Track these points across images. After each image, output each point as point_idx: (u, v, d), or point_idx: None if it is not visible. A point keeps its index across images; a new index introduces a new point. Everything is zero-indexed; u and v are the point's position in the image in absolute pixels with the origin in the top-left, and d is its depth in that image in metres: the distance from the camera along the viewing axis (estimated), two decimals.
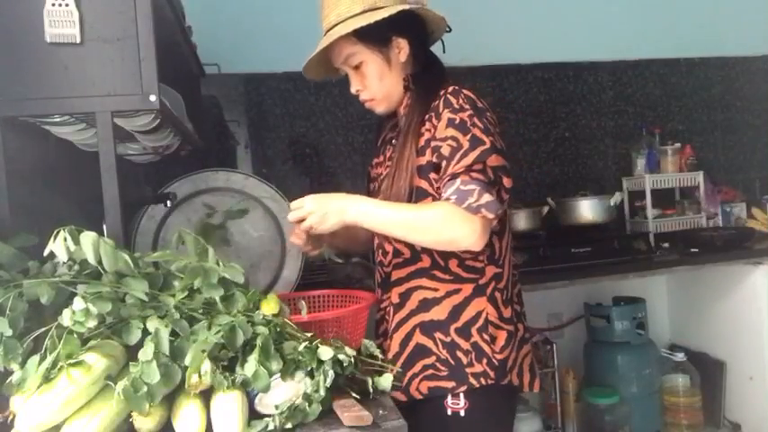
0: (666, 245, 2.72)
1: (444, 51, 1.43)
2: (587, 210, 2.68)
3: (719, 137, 3.21)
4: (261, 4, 2.60)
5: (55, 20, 1.06)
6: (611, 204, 2.67)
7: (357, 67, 1.37)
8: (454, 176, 1.21)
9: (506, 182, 1.25)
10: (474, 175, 1.20)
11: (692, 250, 2.57)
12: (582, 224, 2.68)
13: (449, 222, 1.19)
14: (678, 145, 2.96)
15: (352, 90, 1.40)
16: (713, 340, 2.78)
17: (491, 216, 1.19)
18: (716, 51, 3.18)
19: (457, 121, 1.24)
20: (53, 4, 1.06)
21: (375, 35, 1.31)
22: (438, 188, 1.28)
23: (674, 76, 3.15)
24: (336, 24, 1.31)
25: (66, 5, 1.06)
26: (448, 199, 1.20)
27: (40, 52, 1.07)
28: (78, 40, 1.07)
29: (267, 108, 2.67)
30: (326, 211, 1.24)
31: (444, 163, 1.24)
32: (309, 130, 2.71)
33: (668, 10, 3.08)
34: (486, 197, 1.19)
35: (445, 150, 1.24)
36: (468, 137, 1.22)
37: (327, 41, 1.30)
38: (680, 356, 2.68)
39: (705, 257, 2.51)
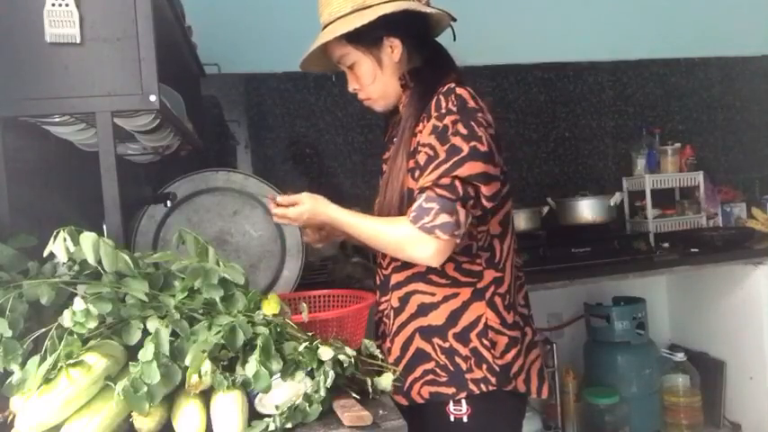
0: (666, 245, 2.72)
1: (455, 39, 1.36)
2: (587, 210, 2.68)
3: (719, 137, 3.21)
4: (261, 4, 2.60)
5: (55, 20, 1.06)
6: (611, 204, 2.67)
7: (351, 67, 1.35)
8: (422, 190, 1.20)
9: (485, 189, 1.20)
10: (439, 191, 1.17)
11: (692, 250, 2.57)
12: (582, 224, 2.68)
13: (403, 244, 1.22)
14: (678, 145, 2.96)
15: (350, 89, 1.39)
16: (713, 340, 2.78)
17: (445, 237, 1.17)
18: (716, 51, 3.18)
19: (439, 128, 1.22)
20: (53, 4, 1.06)
21: (364, 36, 1.28)
22: None
23: (674, 76, 3.15)
24: (329, 23, 1.29)
25: (66, 5, 1.06)
26: (409, 214, 1.20)
27: (40, 52, 1.07)
28: (78, 40, 1.07)
29: (267, 108, 2.67)
30: (306, 209, 1.31)
31: (417, 173, 1.23)
32: (309, 130, 2.71)
33: (669, 10, 3.08)
34: (443, 218, 1.16)
35: (421, 159, 1.22)
36: (447, 147, 1.19)
37: (318, 43, 1.29)
38: (680, 356, 2.68)
39: (705, 257, 2.51)
